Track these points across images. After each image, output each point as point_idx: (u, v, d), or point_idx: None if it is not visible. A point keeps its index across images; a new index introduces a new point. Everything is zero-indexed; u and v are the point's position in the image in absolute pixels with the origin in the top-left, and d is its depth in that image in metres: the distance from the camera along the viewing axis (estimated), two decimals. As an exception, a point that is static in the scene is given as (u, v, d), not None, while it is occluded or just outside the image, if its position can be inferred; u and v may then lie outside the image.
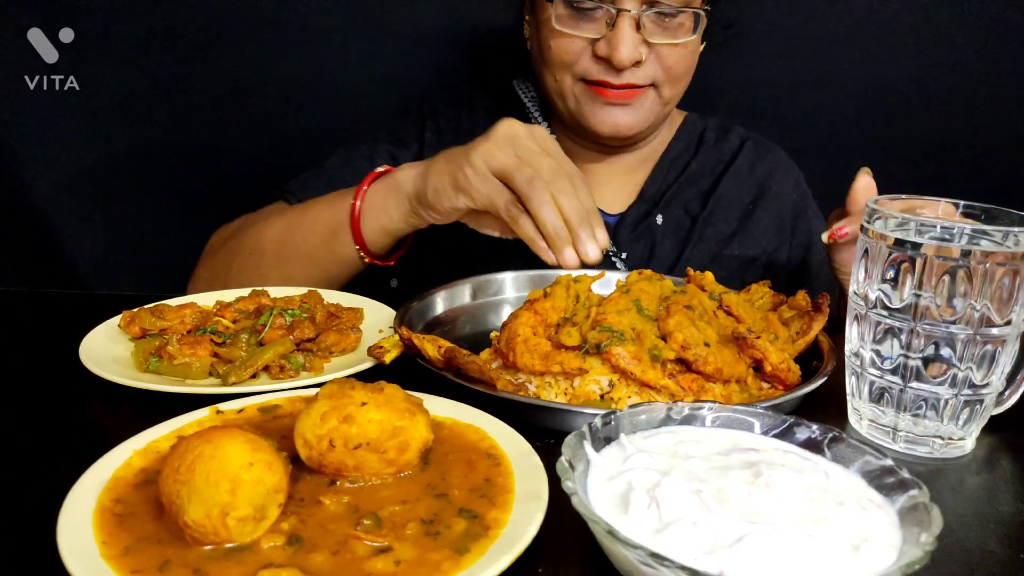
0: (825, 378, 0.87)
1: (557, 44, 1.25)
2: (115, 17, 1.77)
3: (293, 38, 1.80)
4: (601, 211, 1.42)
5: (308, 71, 1.82)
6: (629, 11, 1.19)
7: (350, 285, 1.23)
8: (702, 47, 1.34)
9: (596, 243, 1.02)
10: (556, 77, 1.29)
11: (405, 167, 1.16)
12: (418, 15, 1.79)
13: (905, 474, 0.61)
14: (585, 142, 1.41)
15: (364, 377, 0.88)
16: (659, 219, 1.41)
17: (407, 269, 1.40)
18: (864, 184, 1.02)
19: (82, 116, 1.83)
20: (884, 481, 0.62)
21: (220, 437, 0.58)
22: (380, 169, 1.19)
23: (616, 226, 1.42)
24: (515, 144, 1.03)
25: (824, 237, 1.03)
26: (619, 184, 1.46)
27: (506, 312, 1.13)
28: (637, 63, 1.23)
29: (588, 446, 0.63)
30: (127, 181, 1.89)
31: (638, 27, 1.20)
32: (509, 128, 1.05)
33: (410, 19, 1.79)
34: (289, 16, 1.79)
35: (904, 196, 0.85)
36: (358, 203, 1.16)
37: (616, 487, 0.60)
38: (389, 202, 1.14)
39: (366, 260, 1.20)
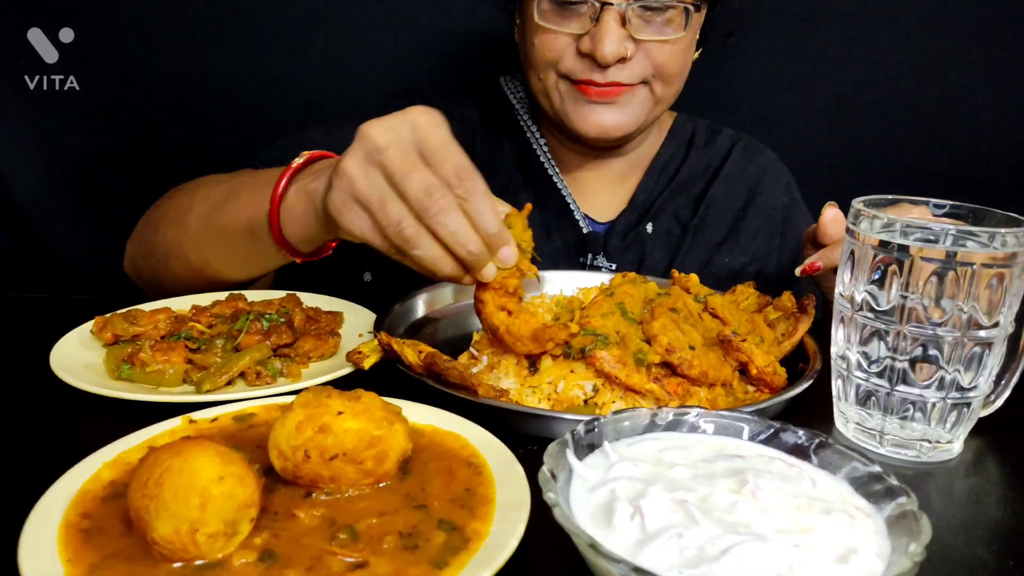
0: (811, 381, 0.86)
1: (541, 41, 1.21)
2: (115, 17, 1.76)
3: (295, 38, 1.80)
4: (591, 220, 1.39)
5: (309, 73, 1.81)
6: (613, 4, 1.14)
7: (323, 281, 1.20)
8: (697, 54, 1.30)
9: (488, 268, 0.86)
10: (540, 76, 1.25)
11: (321, 169, 0.97)
12: (405, 13, 1.77)
13: (893, 481, 0.60)
14: (574, 145, 1.36)
15: (343, 383, 0.86)
16: (649, 227, 1.38)
17: (380, 262, 1.37)
18: (831, 216, 0.99)
19: (83, 116, 1.82)
20: (871, 488, 0.61)
21: (190, 450, 0.56)
22: (298, 162, 1.01)
23: (605, 235, 1.38)
24: (379, 161, 0.82)
25: (797, 272, 1.01)
26: (609, 192, 1.43)
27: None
28: (623, 60, 1.18)
29: (571, 454, 0.62)
30: (126, 180, 1.88)
31: (624, 22, 1.16)
32: (366, 143, 0.83)
33: (398, 16, 1.77)
34: (293, 15, 1.78)
35: (890, 196, 0.84)
36: (278, 209, 0.98)
37: (599, 497, 0.59)
38: (308, 215, 0.96)
39: (298, 260, 1.06)
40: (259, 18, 1.79)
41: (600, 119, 1.24)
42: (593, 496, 0.59)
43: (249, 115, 1.83)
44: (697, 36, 1.27)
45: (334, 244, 1.09)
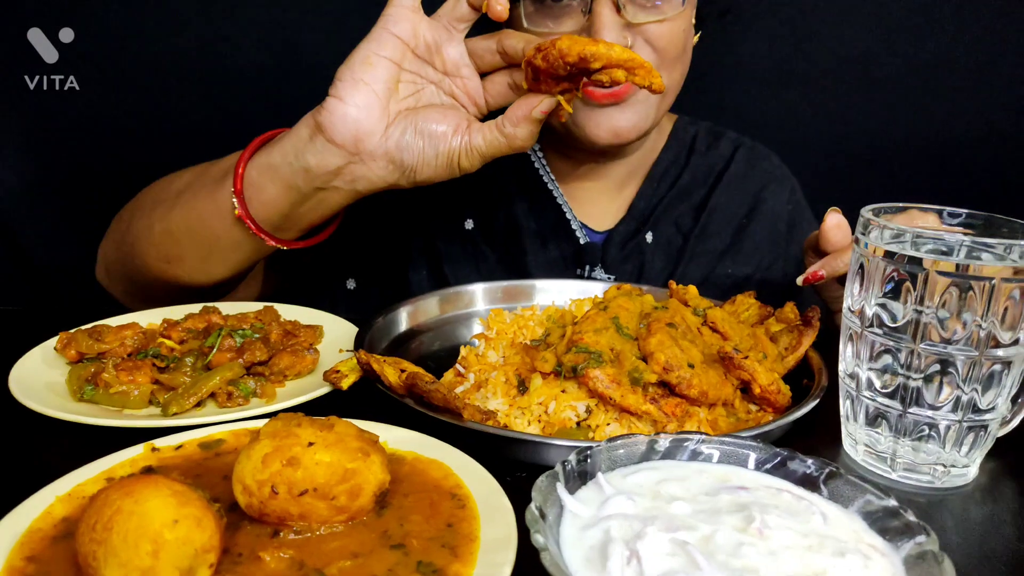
0: (817, 401, 0.81)
1: None
2: (115, 17, 1.76)
3: (297, 40, 1.76)
4: (588, 229, 1.33)
5: (311, 76, 1.77)
6: None
7: (306, 290, 1.14)
8: (696, 38, 1.23)
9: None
10: None
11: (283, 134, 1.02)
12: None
13: (910, 517, 0.55)
14: (571, 151, 1.29)
15: (320, 404, 0.82)
16: (649, 237, 1.31)
17: (363, 270, 1.32)
18: (834, 223, 0.94)
19: (82, 116, 1.80)
20: (887, 524, 0.56)
21: (142, 490, 0.51)
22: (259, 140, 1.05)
23: (603, 245, 1.31)
24: None
25: (799, 281, 0.96)
26: (607, 199, 1.36)
27: (476, 327, 1.06)
28: None
29: (561, 489, 0.57)
30: (125, 181, 1.85)
31: (618, 9, 1.07)
32: None
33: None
34: (294, 17, 1.75)
35: (899, 204, 0.79)
36: (242, 177, 1.00)
37: (592, 537, 0.54)
38: (283, 137, 0.99)
39: (270, 241, 1.01)
40: (260, 20, 1.77)
41: (613, 123, 1.16)
42: (586, 536, 0.54)
43: (250, 117, 1.79)
44: (694, 17, 1.20)
45: (327, 233, 1.06)
